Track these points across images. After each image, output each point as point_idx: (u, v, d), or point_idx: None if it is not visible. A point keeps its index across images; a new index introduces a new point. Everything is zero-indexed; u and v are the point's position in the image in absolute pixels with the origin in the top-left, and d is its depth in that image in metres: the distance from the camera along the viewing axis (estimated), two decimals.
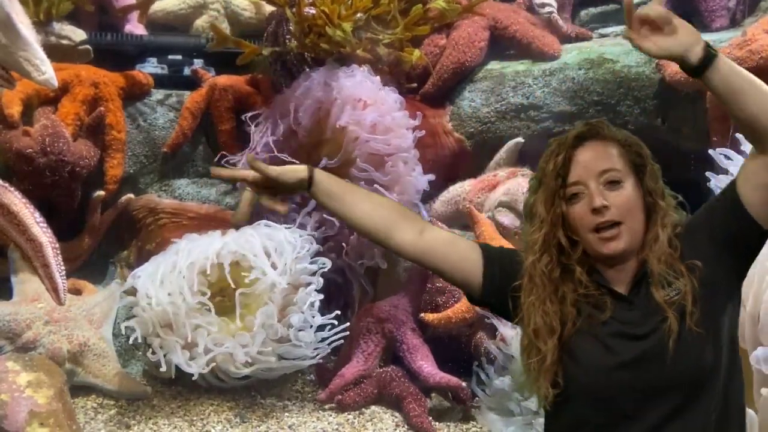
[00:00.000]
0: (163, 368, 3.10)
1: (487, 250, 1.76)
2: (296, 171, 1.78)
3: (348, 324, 3.33)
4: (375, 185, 3.35)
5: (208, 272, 3.14)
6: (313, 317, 3.25)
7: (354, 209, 1.78)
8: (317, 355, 3.26)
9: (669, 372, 1.57)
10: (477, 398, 3.18)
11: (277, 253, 3.21)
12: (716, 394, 1.59)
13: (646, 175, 1.65)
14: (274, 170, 1.76)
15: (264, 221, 3.42)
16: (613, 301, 1.63)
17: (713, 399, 1.58)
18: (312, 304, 3.24)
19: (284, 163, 3.55)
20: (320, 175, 1.79)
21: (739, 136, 2.86)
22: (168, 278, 3.16)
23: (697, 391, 1.57)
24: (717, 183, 2.73)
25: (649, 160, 1.68)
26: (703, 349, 1.57)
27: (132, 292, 3.26)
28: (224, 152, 3.92)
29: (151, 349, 3.16)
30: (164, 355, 3.12)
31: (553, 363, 1.61)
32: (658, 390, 1.58)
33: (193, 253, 3.19)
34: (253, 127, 3.68)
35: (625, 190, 1.62)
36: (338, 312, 3.31)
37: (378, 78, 3.57)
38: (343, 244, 3.47)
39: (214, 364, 3.12)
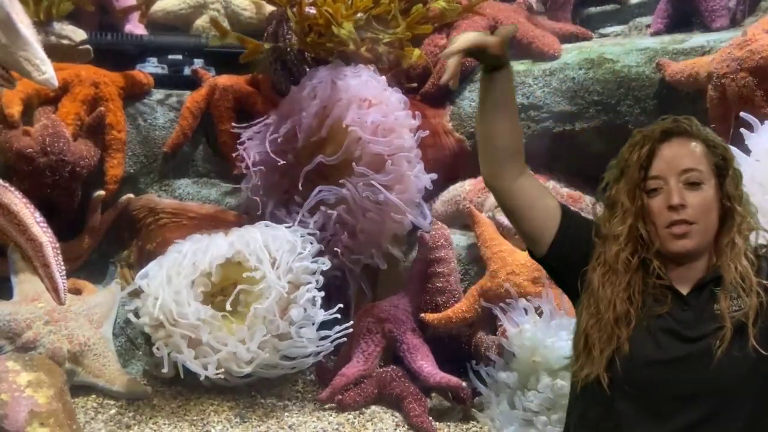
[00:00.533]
0: (165, 369, 3.11)
1: (568, 213, 1.81)
2: (499, 47, 1.72)
3: (350, 322, 3.33)
4: (376, 185, 3.35)
5: (213, 277, 3.14)
6: (315, 316, 3.25)
7: (501, 120, 1.86)
8: (319, 352, 3.26)
9: (708, 380, 1.58)
10: (476, 398, 3.18)
11: (279, 253, 3.21)
12: (744, 415, 1.59)
13: (727, 179, 1.66)
14: (486, 41, 1.70)
15: (265, 221, 3.42)
16: (673, 297, 1.64)
17: (740, 418, 1.59)
18: (313, 301, 3.24)
19: (288, 162, 3.61)
20: (508, 73, 1.77)
21: (747, 117, 2.87)
22: (172, 280, 3.16)
23: (729, 406, 1.59)
24: None
25: (732, 163, 1.68)
26: (749, 369, 1.58)
27: (137, 293, 3.27)
28: (225, 153, 3.94)
29: (155, 348, 3.15)
30: (168, 354, 3.12)
31: (621, 352, 1.62)
32: (693, 395, 1.59)
33: (197, 255, 3.20)
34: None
35: (704, 192, 1.63)
36: (340, 306, 3.31)
37: (384, 78, 3.57)
38: (344, 244, 3.47)
39: (220, 368, 3.12)
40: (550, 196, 1.86)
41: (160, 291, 3.13)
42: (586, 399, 1.70)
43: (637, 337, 1.63)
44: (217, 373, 3.10)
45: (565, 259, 1.76)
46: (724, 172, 1.66)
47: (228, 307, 3.15)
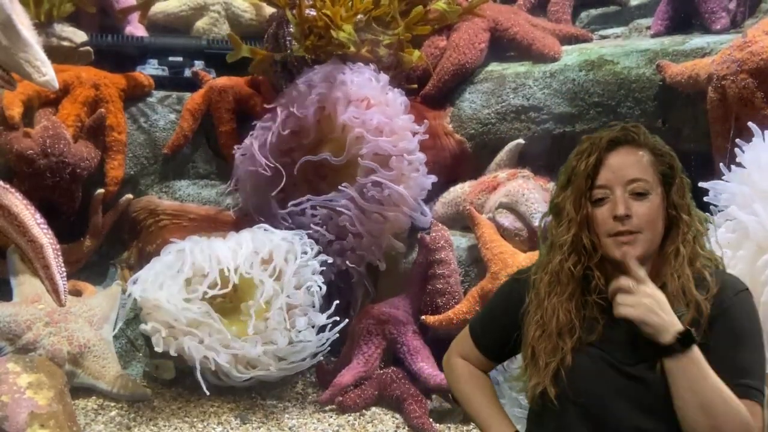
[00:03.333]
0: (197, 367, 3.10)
1: (477, 339, 1.88)
2: None
3: (347, 321, 3.32)
4: (384, 182, 3.35)
5: (217, 286, 3.15)
6: (317, 318, 3.26)
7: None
8: (317, 353, 3.26)
9: (647, 403, 1.59)
10: None
11: (279, 259, 3.22)
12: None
13: (673, 188, 1.65)
14: None
15: (264, 225, 3.42)
16: (608, 319, 1.64)
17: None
18: (313, 304, 3.25)
19: (285, 162, 3.61)
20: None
21: (749, 125, 2.87)
22: (170, 283, 3.17)
23: (673, 420, 1.57)
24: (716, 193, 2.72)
25: (679, 172, 1.68)
26: None
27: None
28: (225, 154, 3.94)
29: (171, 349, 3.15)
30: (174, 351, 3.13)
31: (565, 363, 1.63)
32: (636, 414, 1.60)
33: (196, 259, 3.21)
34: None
35: (650, 201, 1.62)
36: (338, 307, 3.31)
37: (386, 77, 3.57)
38: (347, 245, 3.47)
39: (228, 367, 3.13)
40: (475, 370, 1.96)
41: (157, 295, 3.13)
42: (538, 411, 1.71)
43: (581, 350, 1.65)
44: (249, 375, 3.13)
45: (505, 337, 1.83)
46: (670, 180, 1.66)
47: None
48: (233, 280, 3.14)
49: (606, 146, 1.67)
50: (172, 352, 3.11)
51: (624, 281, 1.59)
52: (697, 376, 1.53)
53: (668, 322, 1.55)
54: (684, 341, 1.54)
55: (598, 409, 1.62)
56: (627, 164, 1.64)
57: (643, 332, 1.57)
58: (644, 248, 1.62)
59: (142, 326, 3.18)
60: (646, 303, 1.56)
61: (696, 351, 1.54)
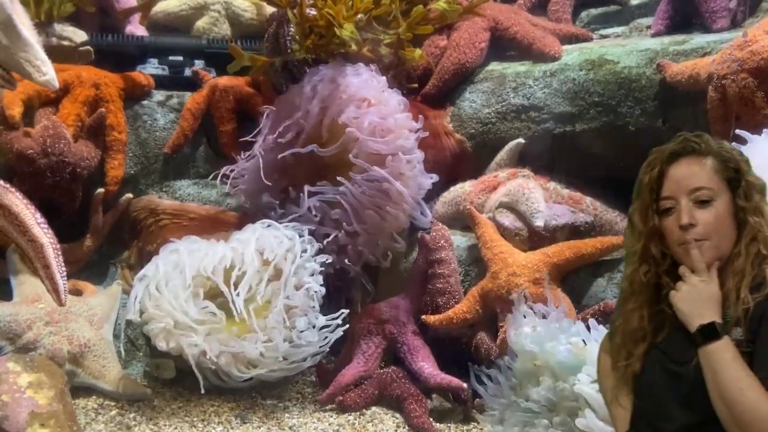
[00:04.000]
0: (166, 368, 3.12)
1: None
2: None
3: (346, 319, 3.32)
4: (382, 173, 3.35)
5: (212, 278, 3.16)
6: (317, 318, 3.26)
7: None
8: (318, 353, 3.27)
9: (693, 392, 1.65)
10: (477, 399, 3.18)
11: (279, 257, 3.22)
12: None
13: (738, 191, 1.70)
14: None
15: (267, 220, 3.42)
16: (672, 325, 1.72)
17: None
18: (313, 304, 3.25)
19: (287, 163, 3.61)
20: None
21: (741, 133, 2.87)
22: (170, 284, 3.18)
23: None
24: None
25: (745, 175, 1.71)
26: None
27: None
28: (225, 154, 3.94)
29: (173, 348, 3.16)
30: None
31: (638, 368, 1.74)
32: (689, 409, 1.66)
33: (194, 261, 3.21)
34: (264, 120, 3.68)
35: (715, 209, 1.68)
36: (338, 306, 3.32)
37: (384, 78, 3.57)
38: (344, 242, 3.47)
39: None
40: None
41: (158, 295, 3.14)
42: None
43: (647, 353, 1.74)
44: (250, 374, 3.14)
45: None
46: (736, 184, 1.70)
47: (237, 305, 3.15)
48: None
49: (668, 158, 1.74)
50: (173, 351, 3.12)
51: (682, 269, 1.69)
52: (717, 368, 1.58)
53: (697, 313, 1.63)
54: (706, 334, 1.61)
55: (654, 409, 1.70)
56: (689, 174, 1.70)
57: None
58: (712, 254, 1.68)
59: (146, 327, 3.18)
60: (688, 290, 1.66)
61: (721, 345, 1.60)
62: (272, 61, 3.70)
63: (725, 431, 1.59)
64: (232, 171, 3.72)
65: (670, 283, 1.72)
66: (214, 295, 3.26)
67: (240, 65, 3.71)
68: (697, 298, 1.64)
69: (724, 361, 1.58)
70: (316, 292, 3.28)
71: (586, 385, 2.45)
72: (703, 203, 1.68)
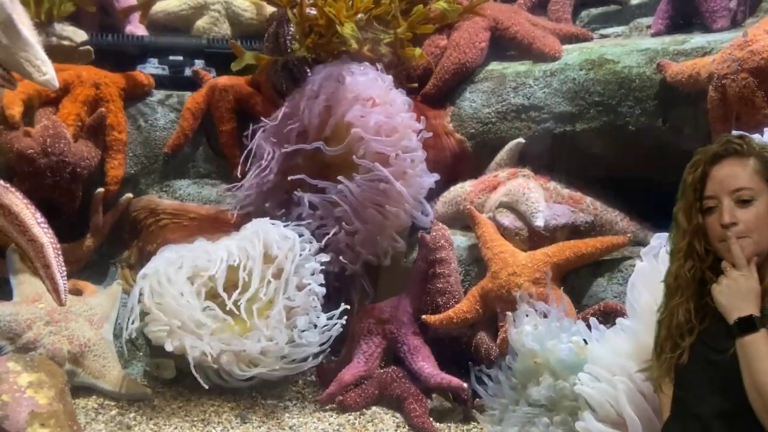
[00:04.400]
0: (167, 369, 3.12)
1: None
2: None
3: (346, 319, 3.32)
4: (383, 171, 3.35)
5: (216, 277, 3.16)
6: (318, 317, 3.26)
7: None
8: (319, 353, 3.27)
9: (730, 381, 1.74)
10: (477, 399, 3.18)
11: (281, 257, 3.22)
12: None
13: None
14: None
15: (267, 218, 3.42)
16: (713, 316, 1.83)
17: None
18: (314, 304, 3.25)
19: (292, 164, 3.61)
20: None
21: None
22: (172, 284, 3.18)
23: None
24: None
25: None
26: None
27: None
28: (225, 154, 3.94)
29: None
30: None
31: (681, 359, 1.84)
32: (724, 396, 1.75)
33: (196, 261, 3.21)
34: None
35: (756, 208, 1.78)
36: (346, 307, 3.32)
37: (390, 77, 3.57)
38: (344, 241, 3.47)
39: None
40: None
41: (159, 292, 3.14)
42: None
43: (694, 348, 1.83)
44: (251, 372, 3.15)
45: None
46: None
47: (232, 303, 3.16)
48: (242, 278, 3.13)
49: (711, 160, 1.83)
50: (176, 351, 3.12)
51: (724, 264, 1.80)
52: (753, 359, 1.68)
53: (736, 306, 1.74)
54: (743, 326, 1.71)
55: (693, 395, 1.81)
56: (731, 175, 1.80)
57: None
58: (752, 250, 1.77)
59: (147, 328, 3.18)
60: (728, 284, 1.76)
61: (757, 337, 1.69)
62: (275, 59, 3.70)
63: (758, 418, 1.67)
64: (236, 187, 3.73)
65: (714, 278, 1.82)
66: (215, 294, 3.27)
67: (242, 63, 3.71)
68: (736, 292, 1.74)
69: (759, 352, 1.67)
70: (317, 293, 3.28)
71: (586, 385, 2.45)
72: (744, 203, 1.77)
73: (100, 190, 3.72)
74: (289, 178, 3.52)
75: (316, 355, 3.28)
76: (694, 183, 1.83)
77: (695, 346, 1.83)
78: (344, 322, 3.31)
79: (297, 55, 3.65)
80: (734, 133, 1.95)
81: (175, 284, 3.17)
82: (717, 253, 1.83)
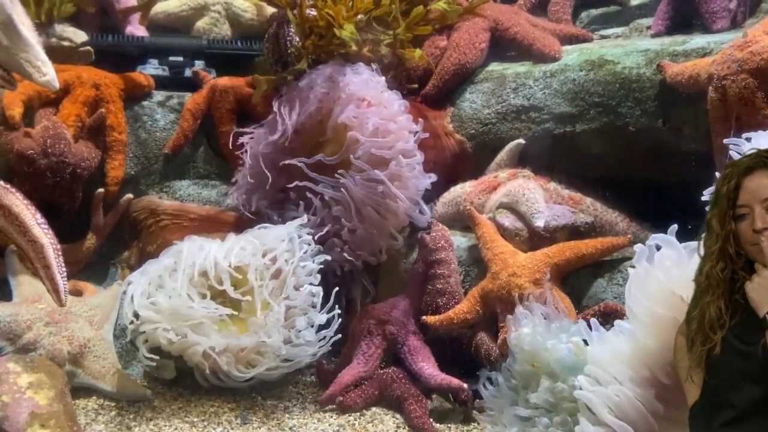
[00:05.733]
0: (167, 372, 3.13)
1: None
2: None
3: (345, 320, 3.32)
4: (380, 175, 3.35)
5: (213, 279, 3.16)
6: (317, 317, 3.26)
7: None
8: (317, 353, 3.27)
9: (758, 370, 1.89)
10: (477, 400, 3.18)
11: (280, 260, 3.23)
12: None
13: None
14: None
15: (264, 224, 3.42)
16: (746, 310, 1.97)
17: None
18: (313, 303, 3.25)
19: (283, 157, 3.61)
20: None
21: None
22: (169, 284, 3.18)
23: None
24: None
25: None
26: None
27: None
28: (225, 155, 3.94)
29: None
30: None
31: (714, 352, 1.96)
32: (754, 384, 1.90)
33: (196, 262, 3.21)
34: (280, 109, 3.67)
35: None
36: (338, 312, 3.31)
37: (383, 78, 3.57)
38: (342, 240, 3.47)
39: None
40: None
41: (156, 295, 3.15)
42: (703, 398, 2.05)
43: (726, 341, 1.96)
44: (250, 374, 3.17)
45: None
46: None
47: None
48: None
49: (743, 171, 1.98)
50: (173, 352, 3.12)
51: (757, 265, 1.95)
52: None
53: (767, 301, 1.89)
54: None
55: (726, 384, 1.95)
56: (762, 185, 1.95)
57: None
58: None
59: (143, 326, 3.19)
60: (760, 282, 1.92)
61: None
62: (284, 76, 3.68)
63: None
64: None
65: (746, 277, 1.96)
66: (213, 295, 3.27)
67: (260, 93, 3.72)
68: None
69: None
70: (314, 294, 3.28)
71: (586, 389, 2.44)
72: None
73: (100, 190, 3.72)
74: (288, 186, 3.53)
75: (314, 354, 3.28)
76: (728, 193, 1.98)
77: (727, 339, 1.96)
78: (344, 321, 3.31)
79: (296, 56, 3.65)
80: (761, 148, 2.09)
81: (171, 286, 3.17)
82: (748, 255, 1.98)
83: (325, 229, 3.46)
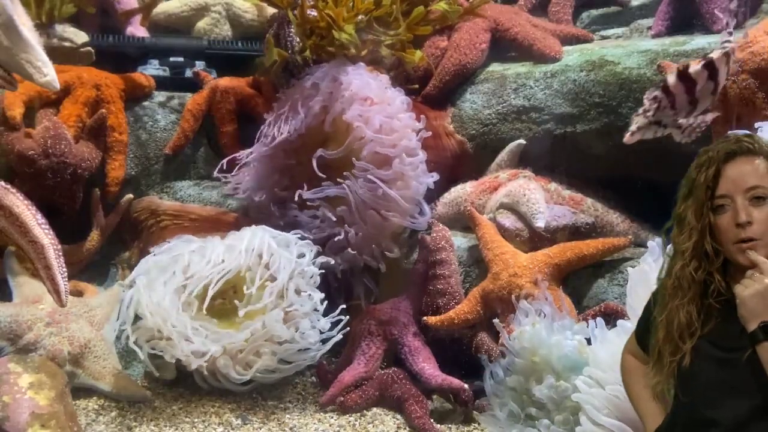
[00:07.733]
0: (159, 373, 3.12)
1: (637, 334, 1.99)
2: None
3: (346, 320, 3.31)
4: (377, 182, 3.35)
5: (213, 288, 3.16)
6: (318, 320, 3.26)
7: None
8: (317, 354, 3.27)
9: (743, 382, 1.68)
10: (478, 400, 3.18)
11: (280, 264, 3.23)
12: None
13: None
14: None
15: (263, 226, 3.42)
16: (724, 314, 1.76)
17: None
18: (314, 305, 3.25)
19: (290, 163, 3.61)
20: None
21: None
22: (167, 284, 3.18)
23: None
24: None
25: None
26: None
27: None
28: (226, 155, 3.94)
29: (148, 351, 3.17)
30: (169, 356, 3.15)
31: (683, 363, 1.75)
32: (737, 397, 1.68)
33: (194, 265, 3.21)
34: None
35: None
36: (342, 307, 3.32)
37: (386, 77, 3.57)
38: (343, 242, 3.47)
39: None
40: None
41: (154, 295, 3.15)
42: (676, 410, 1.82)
43: (699, 350, 1.75)
44: (248, 374, 3.16)
45: None
46: None
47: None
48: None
49: (723, 158, 1.76)
50: (167, 359, 3.13)
51: (750, 271, 1.71)
52: None
53: (761, 311, 1.66)
54: (765, 331, 1.65)
55: (704, 399, 1.72)
56: (745, 173, 1.74)
57: (738, 314, 1.69)
58: (765, 252, 1.71)
59: (140, 330, 3.19)
60: (756, 287, 1.67)
61: None
62: (289, 55, 3.66)
63: None
64: (233, 175, 3.72)
65: (720, 280, 1.76)
66: (213, 297, 3.26)
67: (272, 58, 3.67)
68: (765, 295, 1.67)
69: None
70: (313, 295, 3.27)
71: (585, 392, 2.44)
72: (758, 200, 1.72)
73: (96, 190, 3.72)
74: (291, 186, 3.53)
75: (314, 355, 3.28)
76: (706, 181, 1.75)
77: (701, 347, 1.74)
78: (347, 321, 3.31)
79: (297, 58, 3.64)
80: (740, 131, 1.93)
81: (165, 293, 3.17)
82: (726, 254, 1.76)
83: (328, 230, 3.45)
